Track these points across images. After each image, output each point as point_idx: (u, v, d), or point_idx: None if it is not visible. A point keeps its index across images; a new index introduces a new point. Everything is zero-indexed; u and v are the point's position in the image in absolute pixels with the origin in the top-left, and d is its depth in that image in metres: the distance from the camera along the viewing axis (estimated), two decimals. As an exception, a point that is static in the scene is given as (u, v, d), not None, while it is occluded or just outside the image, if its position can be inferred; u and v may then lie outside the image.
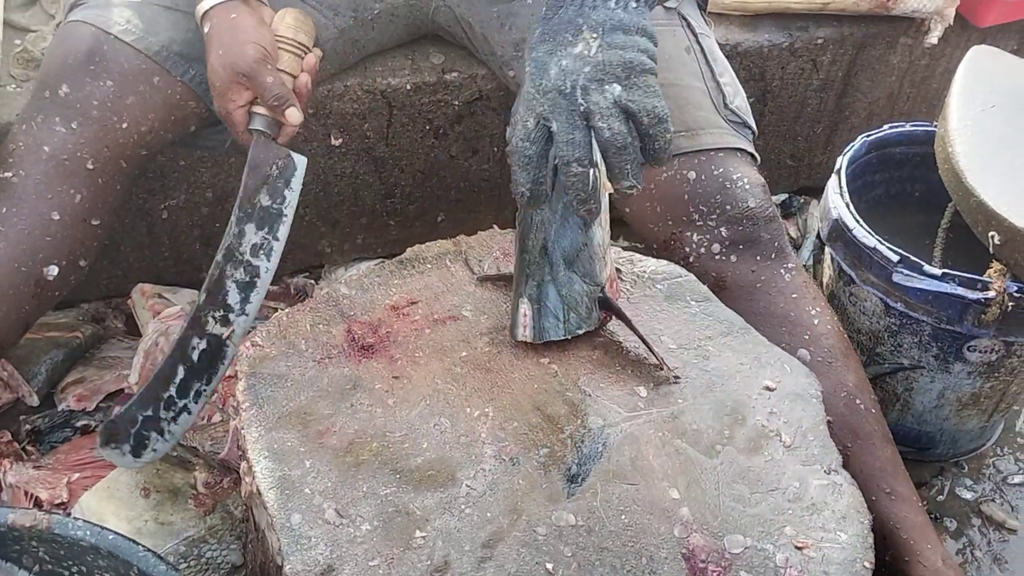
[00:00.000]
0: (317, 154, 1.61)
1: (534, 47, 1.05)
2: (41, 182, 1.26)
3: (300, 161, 1.32)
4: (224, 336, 1.22)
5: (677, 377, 1.12)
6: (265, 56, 1.26)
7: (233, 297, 1.24)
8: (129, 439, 1.16)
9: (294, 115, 1.28)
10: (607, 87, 1.01)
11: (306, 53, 1.33)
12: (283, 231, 1.30)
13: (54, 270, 1.27)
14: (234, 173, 1.58)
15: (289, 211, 1.31)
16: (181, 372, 1.20)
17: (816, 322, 1.32)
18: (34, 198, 1.26)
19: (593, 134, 1.02)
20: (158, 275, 1.64)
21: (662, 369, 1.12)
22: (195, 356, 1.21)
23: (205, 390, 1.21)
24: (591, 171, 1.02)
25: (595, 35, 1.02)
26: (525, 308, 1.11)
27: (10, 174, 1.26)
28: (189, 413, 1.21)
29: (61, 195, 1.27)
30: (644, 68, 1.02)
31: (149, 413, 1.18)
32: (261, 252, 1.28)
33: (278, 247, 1.30)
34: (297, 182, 1.32)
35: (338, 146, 1.61)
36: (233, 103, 1.28)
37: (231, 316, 1.23)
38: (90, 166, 1.29)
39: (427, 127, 1.64)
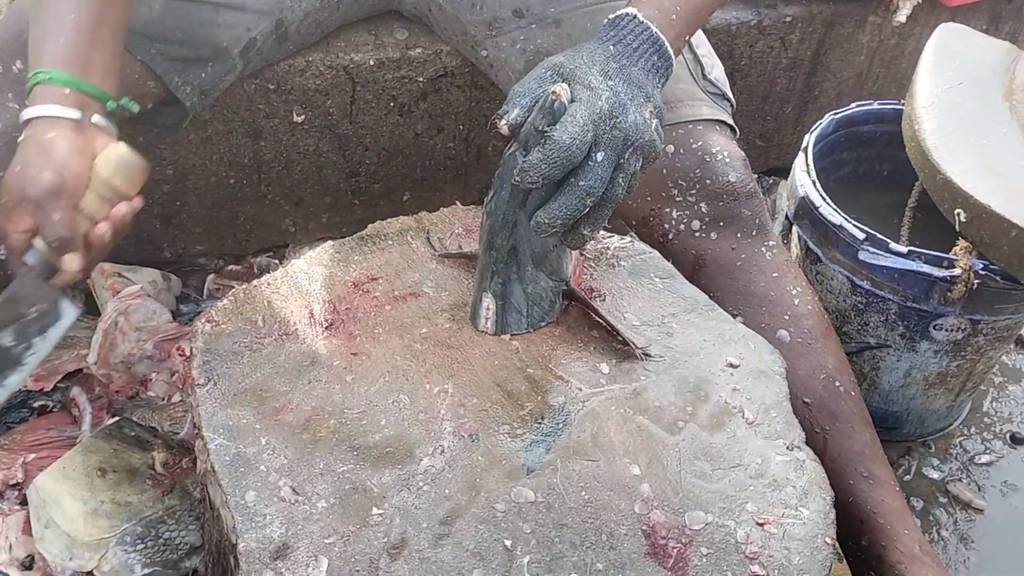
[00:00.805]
0: (279, 131, 1.59)
1: (611, 76, 1.03)
2: None
3: (69, 312, 1.17)
4: None
5: (648, 355, 1.11)
6: (61, 189, 1.10)
7: None
8: None
9: (72, 262, 1.12)
10: (639, 159, 1.03)
11: (119, 200, 1.17)
12: (15, 379, 1.14)
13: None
14: (194, 150, 1.56)
15: (32, 361, 1.15)
16: None
17: (796, 302, 1.30)
18: None
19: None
20: (117, 254, 1.60)
21: (633, 351, 1.10)
22: None
23: None
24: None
25: (655, 113, 1.05)
26: (488, 303, 1.10)
27: None
28: None
29: None
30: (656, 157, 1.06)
31: None
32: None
33: (2, 394, 1.14)
34: (56, 333, 1.16)
35: (300, 123, 1.59)
36: (12, 225, 1.13)
37: None
38: None
39: (391, 104, 1.62)
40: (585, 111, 0.98)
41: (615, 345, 1.12)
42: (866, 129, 1.64)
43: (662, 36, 1.07)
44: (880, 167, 1.68)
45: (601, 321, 1.13)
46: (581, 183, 0.99)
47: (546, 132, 0.98)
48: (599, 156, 0.99)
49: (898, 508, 1.25)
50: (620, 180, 1.02)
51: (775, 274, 1.31)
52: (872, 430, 1.30)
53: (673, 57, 1.09)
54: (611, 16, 1.08)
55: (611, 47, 1.06)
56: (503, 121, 1.01)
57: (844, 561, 1.30)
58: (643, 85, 1.05)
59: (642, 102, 1.04)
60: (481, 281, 1.10)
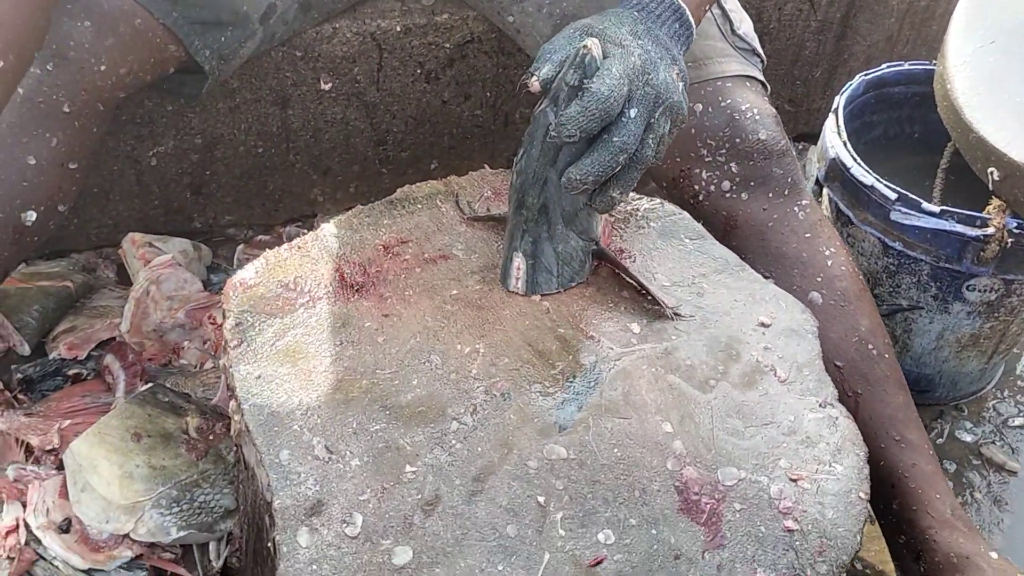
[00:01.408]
0: (307, 99, 1.59)
1: (640, 36, 1.04)
2: (15, 125, 1.24)
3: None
4: None
5: (679, 315, 1.11)
6: None
7: None
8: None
9: None
10: (668, 121, 1.04)
11: None
12: None
13: (32, 215, 1.25)
14: (222, 119, 1.56)
15: None
16: None
17: (830, 263, 1.28)
18: (9, 142, 1.24)
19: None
20: (148, 224, 1.62)
21: (663, 311, 1.10)
22: None
23: None
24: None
25: (681, 77, 1.05)
26: (519, 262, 1.10)
27: None
28: None
29: (37, 139, 1.25)
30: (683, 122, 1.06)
31: None
32: None
33: None
34: None
35: (328, 91, 1.59)
36: None
37: None
38: (66, 109, 1.26)
39: (418, 71, 1.62)
40: (620, 65, 0.98)
41: (645, 305, 1.12)
42: (897, 90, 1.62)
43: (683, 4, 1.08)
44: (911, 129, 1.66)
45: (631, 281, 1.13)
46: (615, 139, 0.99)
47: (583, 84, 0.98)
48: (632, 112, 0.99)
49: (930, 472, 1.24)
50: (650, 141, 1.02)
51: (808, 235, 1.29)
52: (906, 393, 1.29)
53: (694, 26, 1.09)
54: None
55: (635, 12, 1.06)
56: (534, 78, 1.01)
57: (876, 523, 1.30)
58: (669, 48, 1.06)
59: (669, 63, 1.05)
60: (511, 241, 1.10)
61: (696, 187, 1.31)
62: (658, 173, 1.34)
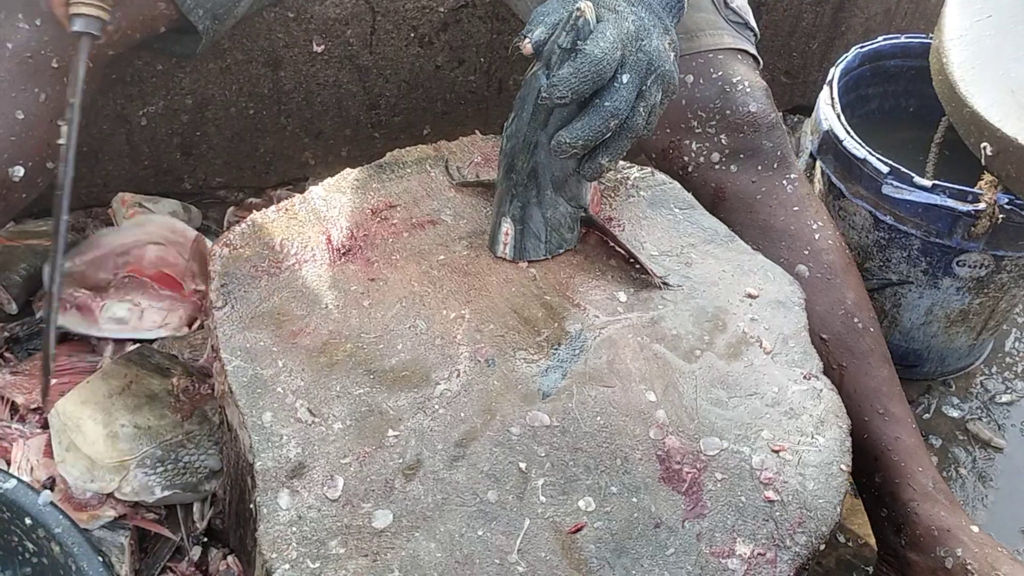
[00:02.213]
0: (299, 61, 1.58)
1: (634, 2, 1.04)
2: (4, 80, 1.23)
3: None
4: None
5: (667, 283, 1.11)
6: None
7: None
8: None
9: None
10: (660, 90, 1.04)
11: None
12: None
13: (19, 171, 1.24)
14: (213, 79, 1.55)
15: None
16: None
17: (817, 236, 1.29)
18: None
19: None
20: (138, 185, 1.61)
21: (651, 280, 1.10)
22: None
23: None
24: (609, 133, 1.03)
25: (672, 47, 1.06)
26: (507, 227, 1.09)
27: None
28: None
29: (25, 94, 1.24)
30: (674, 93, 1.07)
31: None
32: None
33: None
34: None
35: (320, 53, 1.58)
36: None
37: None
38: (55, 64, 1.25)
39: (412, 35, 1.60)
40: (614, 29, 0.98)
41: (633, 274, 1.11)
42: (893, 63, 1.61)
43: None
44: (906, 103, 1.65)
45: (619, 249, 1.12)
46: (607, 104, 0.99)
47: (576, 47, 0.98)
48: (624, 78, 0.99)
49: (913, 446, 1.25)
50: (641, 109, 1.02)
51: (796, 208, 1.30)
52: (890, 367, 1.29)
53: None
54: None
55: None
56: (527, 40, 1.00)
57: (859, 497, 1.30)
58: (662, 17, 1.06)
59: (662, 31, 1.04)
60: (500, 205, 1.09)
61: (686, 158, 1.31)
62: (648, 144, 1.34)
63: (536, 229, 1.09)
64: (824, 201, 1.53)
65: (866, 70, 1.60)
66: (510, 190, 1.08)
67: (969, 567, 1.14)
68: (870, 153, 1.40)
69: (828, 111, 1.47)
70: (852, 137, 1.42)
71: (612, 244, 1.13)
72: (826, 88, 1.51)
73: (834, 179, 1.47)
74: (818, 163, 1.52)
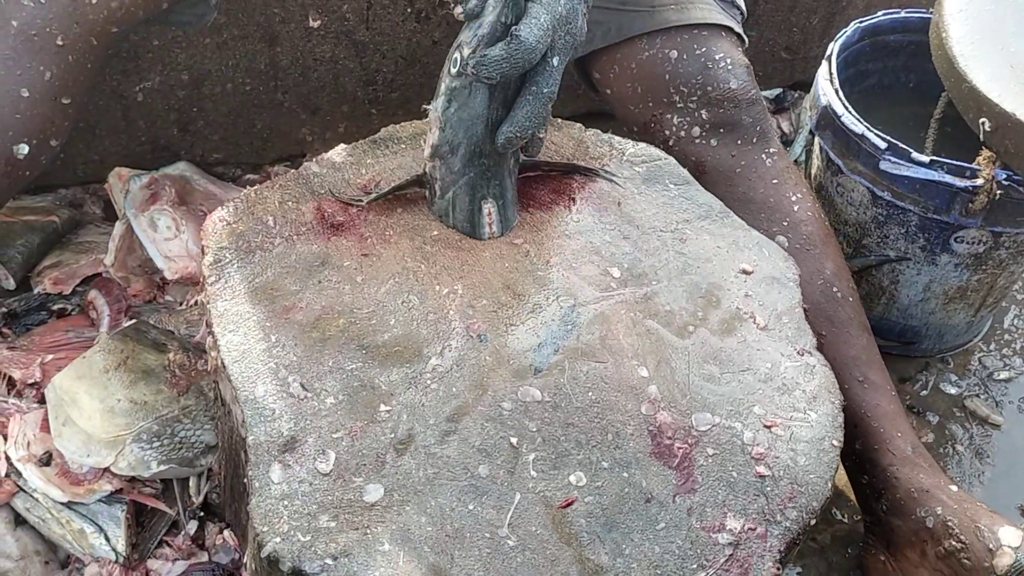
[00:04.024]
0: (295, 37, 1.57)
1: None
2: (9, 57, 1.23)
3: None
4: None
5: (607, 171, 1.17)
6: None
7: None
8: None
9: None
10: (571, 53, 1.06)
11: None
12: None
13: (24, 148, 1.25)
14: (209, 55, 1.54)
15: None
16: None
17: (796, 208, 1.30)
18: (2, 74, 1.23)
19: None
20: (135, 160, 1.61)
21: (597, 173, 1.13)
22: None
23: None
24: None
25: (588, 6, 1.06)
26: (490, 207, 1.10)
27: None
28: None
29: (30, 71, 1.24)
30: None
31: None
32: None
33: None
34: None
35: (317, 28, 1.57)
36: None
37: None
38: (60, 42, 1.25)
39: (408, 10, 1.59)
40: (547, 15, 1.00)
41: (624, 253, 1.11)
42: (893, 38, 1.60)
43: None
44: (906, 78, 1.64)
45: (558, 169, 1.16)
46: (544, 90, 1.02)
47: (511, 30, 0.99)
48: (555, 60, 1.02)
49: (892, 411, 1.26)
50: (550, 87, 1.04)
51: (775, 180, 1.32)
52: (869, 335, 1.31)
53: None
54: None
55: None
56: (459, 8, 1.02)
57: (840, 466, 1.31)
58: None
59: (583, 5, 1.06)
60: (475, 191, 1.09)
61: (667, 132, 1.33)
62: (629, 118, 1.37)
63: (511, 197, 1.10)
64: (822, 178, 1.53)
65: (865, 45, 1.59)
66: (484, 173, 1.08)
67: (950, 523, 1.15)
68: (868, 128, 1.39)
69: (827, 86, 1.47)
70: (850, 112, 1.42)
71: (550, 169, 1.16)
72: (825, 63, 1.50)
73: (832, 155, 1.46)
74: (816, 139, 1.52)
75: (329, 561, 0.85)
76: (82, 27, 1.27)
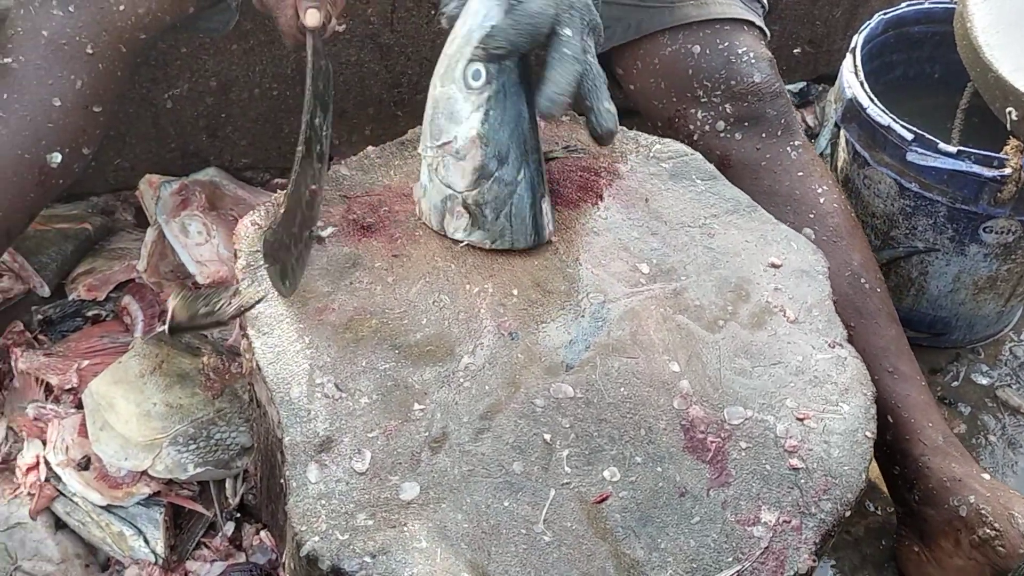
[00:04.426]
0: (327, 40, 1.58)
1: None
2: (41, 67, 1.25)
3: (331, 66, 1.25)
4: (316, 193, 1.12)
5: (569, 146, 1.17)
6: None
7: (315, 162, 1.14)
8: (279, 261, 1.05)
9: (311, 17, 1.17)
10: (594, 41, 1.05)
11: None
12: (330, 121, 1.21)
13: (57, 157, 1.26)
14: (236, 61, 1.56)
15: (331, 107, 1.22)
16: (299, 214, 1.08)
17: (822, 200, 1.30)
18: (35, 84, 1.25)
19: None
20: (165, 167, 1.62)
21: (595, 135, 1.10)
22: (304, 203, 1.10)
23: (310, 241, 1.10)
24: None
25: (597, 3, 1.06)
26: (546, 206, 1.09)
27: (10, 59, 1.25)
28: (303, 259, 1.08)
29: (61, 80, 1.26)
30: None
31: (285, 242, 1.06)
32: (323, 132, 1.18)
33: (330, 135, 1.20)
34: (331, 83, 1.23)
35: (342, 32, 1.58)
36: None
37: (317, 179, 1.13)
38: (89, 50, 1.27)
39: (432, 12, 1.60)
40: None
41: (654, 248, 1.12)
42: (917, 30, 1.60)
43: None
44: (931, 69, 1.64)
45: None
46: (565, 51, 1.00)
47: (511, 3, 1.00)
48: (567, 31, 1.00)
49: (923, 402, 1.26)
50: (590, 60, 1.03)
51: (800, 173, 1.32)
52: (898, 326, 1.31)
53: None
54: None
55: None
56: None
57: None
58: None
59: None
60: (535, 192, 1.07)
61: (691, 127, 1.34)
62: (653, 113, 1.37)
63: (546, 190, 1.10)
64: (849, 170, 1.53)
65: (890, 36, 1.58)
66: (538, 169, 1.07)
67: (983, 511, 1.15)
68: (894, 120, 1.39)
69: (851, 78, 1.46)
70: (876, 104, 1.42)
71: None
72: (849, 55, 1.50)
73: (858, 147, 1.46)
74: (842, 132, 1.52)
75: (368, 559, 0.86)
76: (111, 35, 1.28)
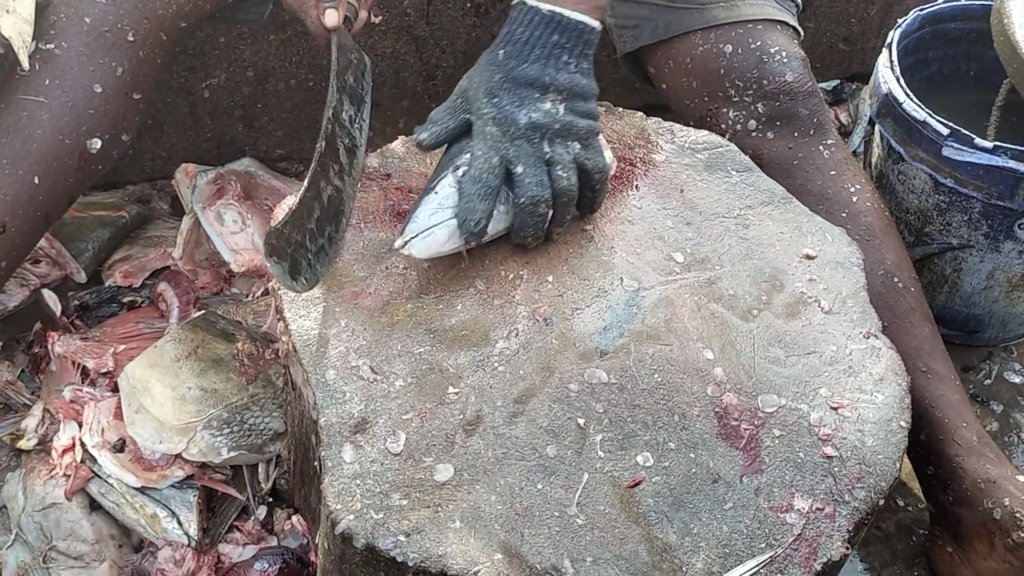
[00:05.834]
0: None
1: (495, 93, 1.05)
2: (83, 54, 1.27)
3: (367, 58, 1.27)
4: (341, 188, 1.11)
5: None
6: None
7: (343, 156, 1.14)
8: (287, 258, 1.05)
9: (331, 17, 1.18)
10: (570, 144, 1.04)
11: None
12: (366, 114, 1.23)
13: (97, 143, 1.28)
14: (273, 51, 1.57)
15: (368, 99, 1.25)
16: (317, 210, 1.08)
17: (855, 199, 1.30)
18: (76, 70, 1.26)
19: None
20: (201, 156, 1.64)
21: None
22: (324, 198, 1.09)
23: (335, 235, 1.09)
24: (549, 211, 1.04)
25: (561, 97, 1.05)
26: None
27: (52, 46, 1.26)
28: (326, 254, 1.07)
29: (103, 67, 1.28)
30: (597, 132, 1.07)
31: (298, 238, 1.06)
32: (354, 125, 1.20)
33: (365, 127, 1.21)
34: (369, 75, 1.26)
35: (378, 24, 1.59)
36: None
37: (343, 175, 1.13)
38: (131, 38, 1.29)
39: (468, 4, 1.61)
40: (480, 142, 1.03)
41: (688, 237, 1.12)
42: (953, 26, 1.59)
43: (559, 9, 1.05)
44: (967, 66, 1.63)
45: None
46: (520, 200, 1.02)
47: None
48: (519, 169, 1.02)
49: (957, 401, 1.25)
50: (560, 172, 1.03)
51: (833, 172, 1.31)
52: (932, 326, 1.30)
53: (585, 22, 1.06)
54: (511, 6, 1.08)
55: (500, 53, 1.06)
56: (423, 141, 1.09)
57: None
58: (536, 79, 1.04)
59: (536, 98, 1.04)
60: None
61: (723, 126, 1.34)
62: (685, 112, 1.37)
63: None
64: (883, 166, 1.52)
65: (926, 33, 1.58)
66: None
67: (1018, 514, 1.14)
68: (930, 115, 1.38)
69: (887, 74, 1.46)
70: (911, 99, 1.41)
71: None
72: (885, 51, 1.49)
73: (893, 143, 1.46)
74: (877, 127, 1.51)
75: (402, 538, 0.86)
76: (152, 22, 1.30)
